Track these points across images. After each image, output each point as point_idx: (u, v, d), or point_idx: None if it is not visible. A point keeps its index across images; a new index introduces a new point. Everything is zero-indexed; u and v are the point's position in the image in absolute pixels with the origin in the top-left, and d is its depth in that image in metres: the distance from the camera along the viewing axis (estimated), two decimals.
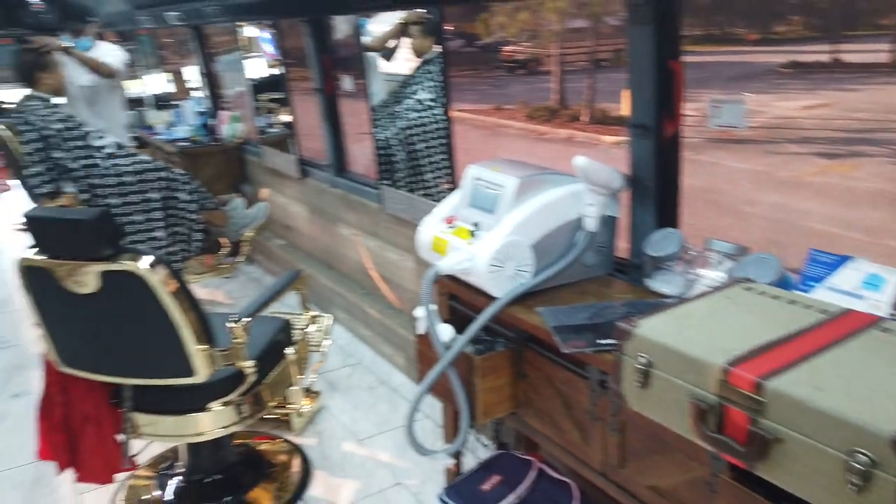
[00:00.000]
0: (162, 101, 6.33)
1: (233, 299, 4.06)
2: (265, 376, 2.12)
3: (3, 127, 3.03)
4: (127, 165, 3.16)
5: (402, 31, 3.48)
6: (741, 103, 1.57)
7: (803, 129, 7.30)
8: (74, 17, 3.97)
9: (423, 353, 1.88)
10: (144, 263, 1.70)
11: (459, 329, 1.76)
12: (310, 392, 2.75)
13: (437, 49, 3.40)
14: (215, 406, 1.98)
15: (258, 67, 6.51)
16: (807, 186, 5.88)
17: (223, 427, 2.02)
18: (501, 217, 1.72)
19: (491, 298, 1.71)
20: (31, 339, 3.46)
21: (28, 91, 3.17)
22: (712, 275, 1.59)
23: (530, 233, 1.71)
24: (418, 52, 3.39)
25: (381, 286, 3.27)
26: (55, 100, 3.22)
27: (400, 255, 3.07)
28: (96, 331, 1.83)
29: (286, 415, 2.59)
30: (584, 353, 1.45)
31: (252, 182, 4.68)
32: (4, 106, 5.63)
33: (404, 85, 3.44)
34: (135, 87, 7.96)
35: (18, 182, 3.76)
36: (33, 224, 1.69)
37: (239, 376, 1.98)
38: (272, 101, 5.34)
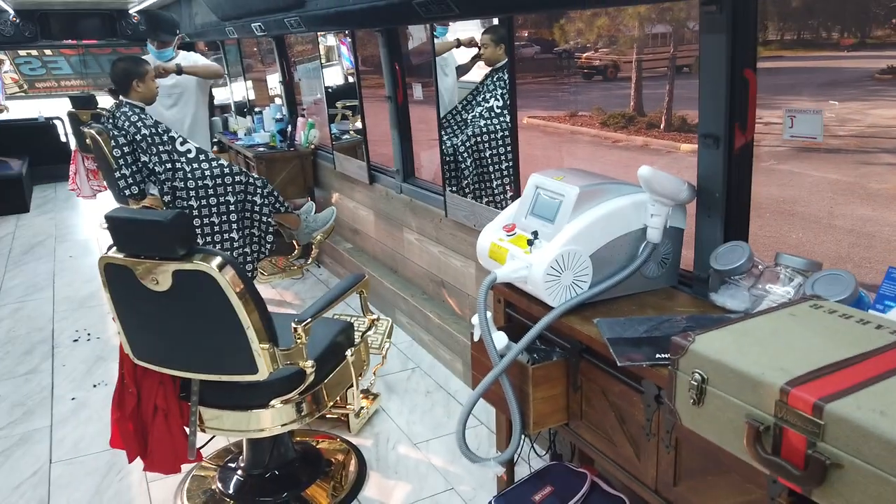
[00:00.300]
0: (244, 108, 6.62)
1: (301, 300, 4.18)
2: (325, 377, 2.17)
3: (96, 131, 3.24)
4: (207, 170, 3.31)
5: (467, 41, 3.52)
6: (818, 113, 1.49)
7: None
8: (163, 29, 4.21)
9: (478, 359, 1.87)
10: (215, 264, 1.78)
11: (515, 337, 1.75)
12: (368, 394, 2.80)
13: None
14: (276, 403, 2.05)
15: (335, 76, 6.71)
16: None
17: (283, 424, 2.08)
18: (560, 226, 1.70)
19: (547, 307, 1.70)
20: (113, 333, 3.68)
21: (121, 98, 3.37)
22: (781, 291, 1.51)
23: (589, 242, 1.69)
24: (489, 61, 3.41)
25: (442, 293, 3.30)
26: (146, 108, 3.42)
27: (462, 262, 3.08)
28: (168, 326, 1.92)
29: (345, 415, 2.64)
30: (639, 367, 1.42)
31: (324, 187, 4.81)
32: (104, 112, 6.03)
33: (475, 93, 3.46)
34: (220, 94, 8.37)
35: (105, 184, 4.03)
36: (114, 224, 1.79)
37: (300, 375, 2.03)
38: (346, 107, 5.49)
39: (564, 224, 1.69)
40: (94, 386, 3.09)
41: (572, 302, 1.66)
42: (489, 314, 1.74)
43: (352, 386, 2.32)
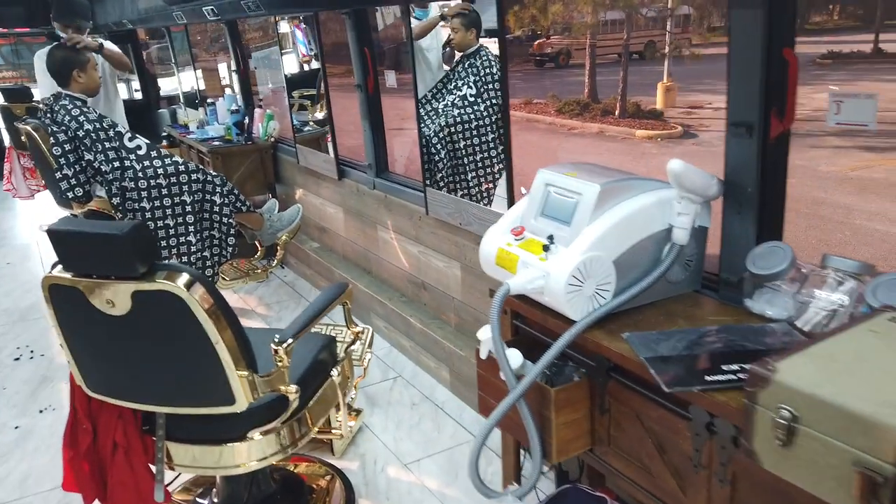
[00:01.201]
0: (194, 99, 6.23)
1: (266, 305, 3.91)
2: (308, 400, 1.94)
3: (32, 127, 2.90)
4: (160, 167, 3.01)
5: (438, 22, 3.30)
6: (871, 98, 1.33)
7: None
8: (80, 14, 3.85)
9: (486, 379, 1.68)
10: (181, 282, 1.53)
11: (525, 351, 1.56)
12: (350, 410, 2.57)
13: (480, 42, 3.22)
14: (255, 435, 1.81)
15: (290, 64, 6.37)
16: (849, 181, 5.53)
17: (262, 458, 1.84)
18: (580, 229, 1.51)
19: (565, 320, 1.51)
20: (59, 350, 3.34)
21: (58, 90, 3.03)
22: (833, 297, 1.36)
23: (612, 247, 1.50)
24: (460, 47, 3.20)
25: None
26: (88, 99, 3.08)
27: (445, 263, 2.87)
28: (127, 355, 1.66)
29: (325, 437, 2.41)
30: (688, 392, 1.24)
31: (285, 182, 4.52)
32: (40, 106, 5.58)
33: (445, 81, 3.25)
34: (167, 85, 7.91)
35: (45, 183, 3.66)
36: (58, 238, 1.52)
37: (281, 402, 1.80)
38: (304, 97, 5.20)
39: (584, 227, 1.50)
40: (41, 411, 2.78)
41: (596, 314, 1.48)
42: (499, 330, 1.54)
43: (338, 407, 2.09)
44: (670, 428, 1.34)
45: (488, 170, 3.21)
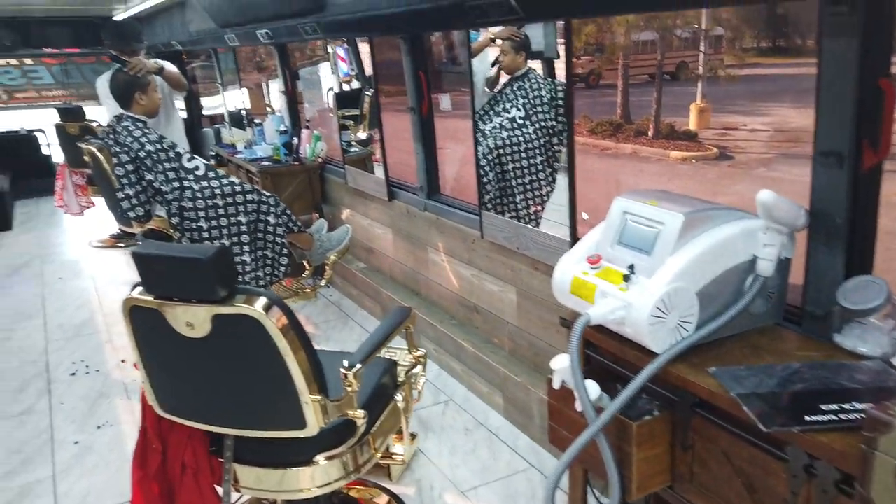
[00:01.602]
0: (239, 119, 6.34)
1: (313, 324, 3.93)
2: (372, 424, 1.93)
3: (96, 147, 2.97)
4: (217, 188, 3.06)
5: (488, 44, 3.31)
6: None
7: None
8: (133, 38, 3.96)
9: (559, 410, 1.65)
10: (259, 305, 1.54)
11: (599, 381, 1.53)
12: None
13: (528, 66, 3.22)
14: (321, 460, 1.80)
15: (334, 83, 6.46)
16: None
17: (327, 483, 1.83)
18: (662, 259, 1.48)
19: (645, 352, 1.48)
20: (114, 365, 3.39)
21: (120, 112, 3.11)
22: None
23: (696, 278, 1.47)
24: (509, 69, 3.21)
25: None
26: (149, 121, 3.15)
27: (500, 287, 2.85)
28: (203, 376, 1.67)
29: (384, 462, 2.39)
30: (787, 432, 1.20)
31: (332, 203, 4.56)
32: (93, 124, 5.73)
33: (493, 103, 3.25)
34: (210, 104, 8.09)
35: (104, 200, 3.74)
36: (142, 261, 1.54)
37: (348, 426, 1.79)
38: (346, 117, 5.26)
39: (667, 257, 1.48)
40: (98, 427, 2.81)
41: (680, 347, 1.45)
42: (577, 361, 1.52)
43: (400, 431, 2.08)
44: (763, 468, 1.30)
45: (536, 192, 3.20)
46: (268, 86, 7.40)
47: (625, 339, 1.54)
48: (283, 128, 4.76)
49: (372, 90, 4.63)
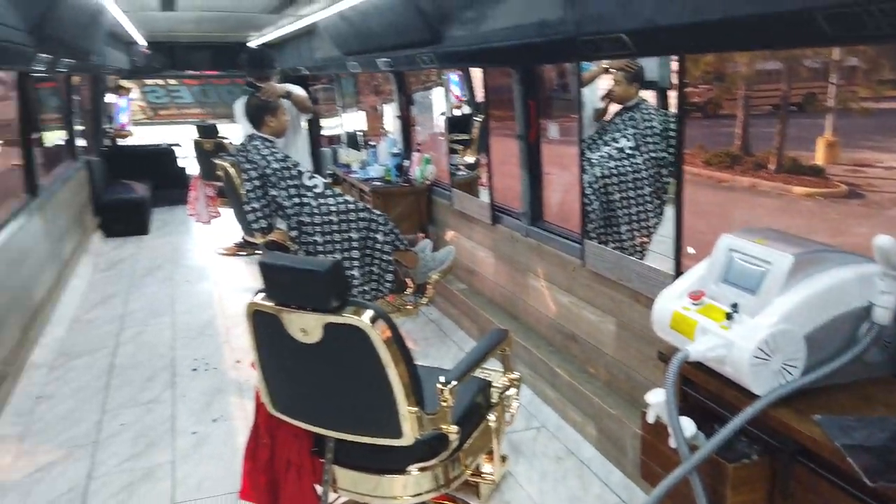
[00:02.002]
0: (355, 140, 6.68)
1: (412, 340, 4.04)
2: (464, 441, 1.99)
3: (229, 163, 3.25)
4: (333, 205, 3.25)
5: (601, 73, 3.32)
6: None
7: None
8: (266, 65, 4.30)
9: (652, 445, 1.64)
10: (367, 317, 1.65)
11: (695, 420, 1.51)
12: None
13: (640, 96, 3.21)
14: (414, 470, 1.88)
15: (446, 108, 6.67)
16: None
17: (417, 494, 1.91)
18: (768, 299, 1.45)
19: (746, 393, 1.45)
20: (230, 365, 3.66)
21: (252, 131, 3.39)
22: None
23: (804, 321, 1.43)
24: (620, 99, 3.20)
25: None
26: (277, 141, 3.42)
27: (599, 317, 2.84)
28: (311, 380, 1.80)
29: (474, 480, 2.44)
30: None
31: (437, 224, 4.70)
32: (225, 142, 6.23)
33: (601, 132, 3.26)
34: (331, 125, 8.55)
35: (232, 212, 4.06)
36: (267, 270, 1.70)
37: (441, 441, 1.86)
38: (456, 142, 5.41)
39: (774, 297, 1.45)
40: (214, 421, 3.04)
41: (783, 391, 1.41)
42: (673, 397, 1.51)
43: (491, 452, 2.12)
44: None
45: (643, 224, 3.15)
46: (383, 109, 7.75)
47: (725, 378, 1.52)
48: (395, 150, 4.98)
49: (482, 115, 4.77)
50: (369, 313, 1.67)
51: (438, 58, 3.13)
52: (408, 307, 3.93)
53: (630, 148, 3.19)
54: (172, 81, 10.91)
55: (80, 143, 6.81)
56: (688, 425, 1.49)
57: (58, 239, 5.00)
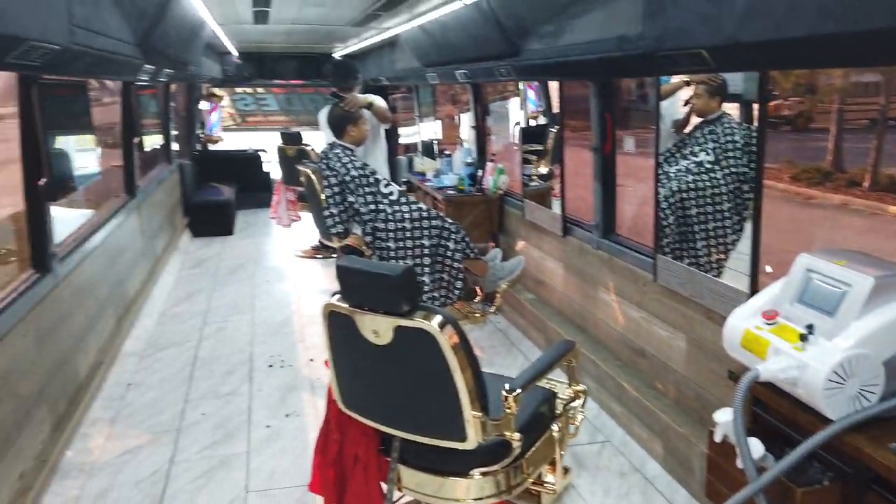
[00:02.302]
0: (430, 149, 6.80)
1: (478, 348, 4.09)
2: (527, 449, 2.01)
3: (311, 170, 3.40)
4: (407, 212, 3.35)
5: (682, 86, 3.27)
6: None
7: None
8: (351, 76, 4.43)
9: (719, 465, 1.62)
10: (436, 322, 1.71)
11: (764, 442, 1.48)
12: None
13: (722, 110, 3.14)
14: (476, 474, 1.91)
15: (522, 118, 6.70)
16: None
17: (479, 498, 1.94)
18: (846, 322, 1.41)
19: (819, 417, 1.41)
20: (304, 363, 3.81)
21: (333, 140, 3.53)
22: None
23: (883, 346, 1.39)
24: (701, 113, 3.14)
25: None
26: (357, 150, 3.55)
27: (669, 333, 2.80)
28: (381, 379, 1.87)
29: (536, 490, 2.45)
30: None
31: (508, 233, 4.73)
32: (307, 149, 6.48)
33: (680, 145, 3.21)
34: (405, 132, 8.73)
35: (311, 216, 4.23)
36: (343, 273, 1.78)
37: (504, 447, 1.89)
38: (530, 152, 5.42)
39: (851, 320, 1.41)
40: (287, 416, 3.18)
41: (859, 417, 1.37)
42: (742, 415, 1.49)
43: (553, 462, 2.13)
44: None
45: (720, 240, 3.08)
46: (460, 119, 7.85)
47: (797, 400, 1.48)
48: (469, 159, 5.05)
49: (557, 127, 4.77)
50: (438, 318, 1.72)
51: (516, 70, 3.17)
52: (476, 315, 3.99)
53: (709, 162, 3.13)
54: (260, 90, 11.43)
55: (175, 147, 7.25)
56: (756, 446, 1.47)
57: (151, 237, 5.34)
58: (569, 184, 3.77)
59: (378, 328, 1.76)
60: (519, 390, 1.86)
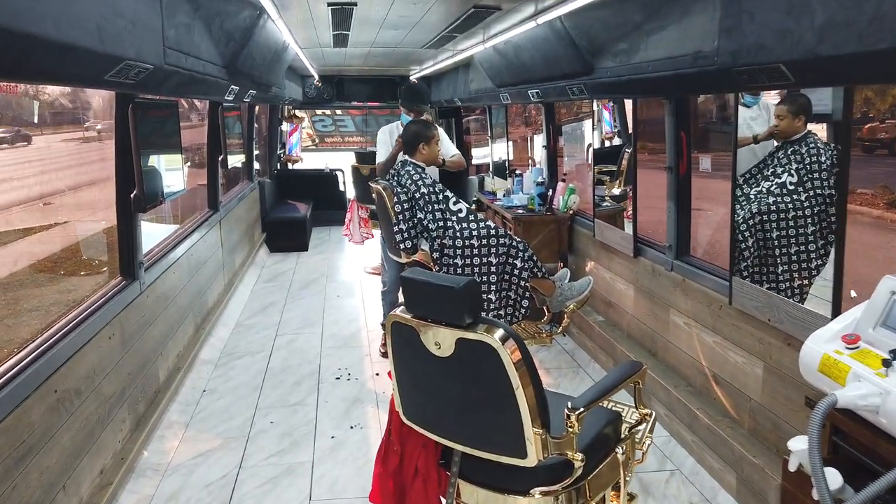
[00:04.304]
0: (502, 169, 6.82)
1: (544, 369, 4.03)
2: (590, 471, 1.96)
3: (382, 187, 3.48)
4: (475, 230, 3.36)
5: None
6: None
7: None
8: (421, 101, 4.48)
9: (793, 495, 1.53)
10: (497, 336, 1.70)
11: (843, 473, 1.39)
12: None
13: (808, 129, 3.01)
14: (537, 493, 1.88)
15: (595, 139, 6.63)
16: None
17: None
18: None
19: None
20: (369, 376, 3.86)
21: (404, 158, 3.60)
22: None
23: None
24: (784, 134, 3.03)
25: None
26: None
27: (745, 359, 2.68)
28: (443, 392, 1.88)
29: None
30: None
31: (577, 253, 4.67)
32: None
33: (761, 166, 3.09)
34: (478, 153, 8.78)
35: (380, 232, 4.30)
36: (408, 284, 1.81)
37: (565, 467, 1.85)
38: (603, 173, 5.35)
39: None
40: (351, 427, 3.23)
41: None
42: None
43: (617, 486, 2.07)
44: None
45: (803, 265, 2.94)
46: (532, 139, 7.84)
47: (878, 430, 1.39)
48: (540, 179, 5.03)
49: (631, 148, 4.70)
50: (500, 332, 1.72)
51: (588, 88, 3.16)
52: (542, 336, 3.93)
53: (792, 183, 3.01)
54: (338, 112, 11.81)
55: (256, 166, 7.57)
56: (834, 477, 1.38)
57: (230, 250, 5.58)
58: (642, 205, 3.70)
59: (440, 340, 1.77)
60: (581, 409, 1.82)
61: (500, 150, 7.21)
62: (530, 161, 7.21)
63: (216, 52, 3.01)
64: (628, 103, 4.92)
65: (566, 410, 1.82)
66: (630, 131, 5.13)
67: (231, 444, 3.08)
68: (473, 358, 1.75)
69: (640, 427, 2.20)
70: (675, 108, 3.10)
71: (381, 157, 4.25)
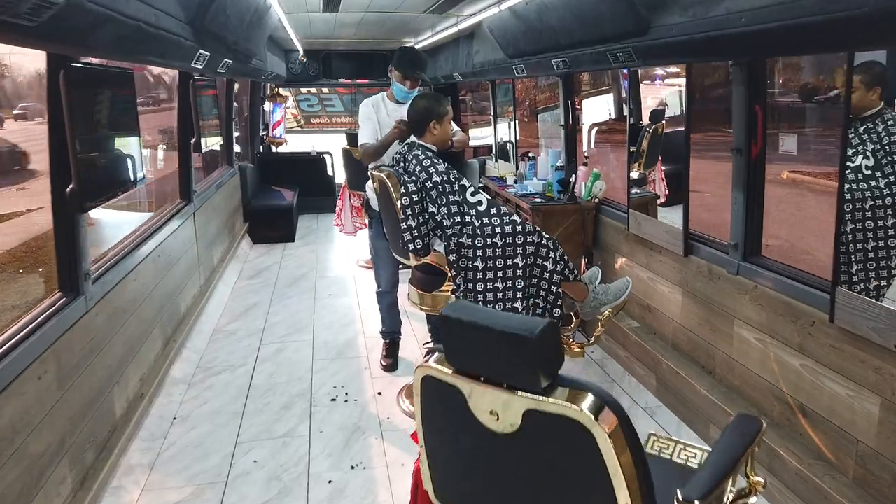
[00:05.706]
0: (505, 151, 6.22)
1: None
2: None
3: (386, 175, 2.88)
4: (497, 226, 2.78)
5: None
6: None
7: None
8: (422, 68, 3.62)
9: None
10: (586, 406, 1.13)
11: None
12: None
13: (882, 104, 2.47)
14: None
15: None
16: None
17: None
18: None
19: None
20: (371, 397, 3.29)
21: (412, 139, 3.00)
22: None
23: None
24: (858, 109, 2.48)
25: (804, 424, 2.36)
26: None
27: (850, 391, 2.14)
28: (496, 475, 1.31)
29: None
30: None
31: (604, 248, 4.10)
32: None
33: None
34: (476, 133, 8.16)
35: (383, 228, 3.69)
36: (452, 326, 1.22)
37: None
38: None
39: None
40: (352, 468, 2.66)
41: None
42: None
43: None
44: None
45: (882, 262, 2.44)
46: (537, 118, 7.22)
47: None
48: (559, 163, 4.44)
49: (652, 126, 4.11)
50: (590, 400, 1.15)
51: (639, 52, 2.57)
52: (573, 348, 3.37)
53: (868, 167, 2.50)
54: (325, 90, 11.10)
55: (237, 149, 6.90)
56: None
57: (208, 245, 4.94)
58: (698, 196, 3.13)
59: (499, 409, 1.20)
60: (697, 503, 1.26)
61: (502, 131, 6.60)
62: (538, 142, 6.60)
63: (177, 4, 2.37)
64: (647, 77, 4.33)
65: (677, 501, 1.26)
66: (653, 109, 4.57)
67: (205, 494, 2.50)
68: (549, 435, 1.19)
69: (751, 501, 1.65)
70: (747, 77, 2.52)
71: (365, 136, 3.53)
